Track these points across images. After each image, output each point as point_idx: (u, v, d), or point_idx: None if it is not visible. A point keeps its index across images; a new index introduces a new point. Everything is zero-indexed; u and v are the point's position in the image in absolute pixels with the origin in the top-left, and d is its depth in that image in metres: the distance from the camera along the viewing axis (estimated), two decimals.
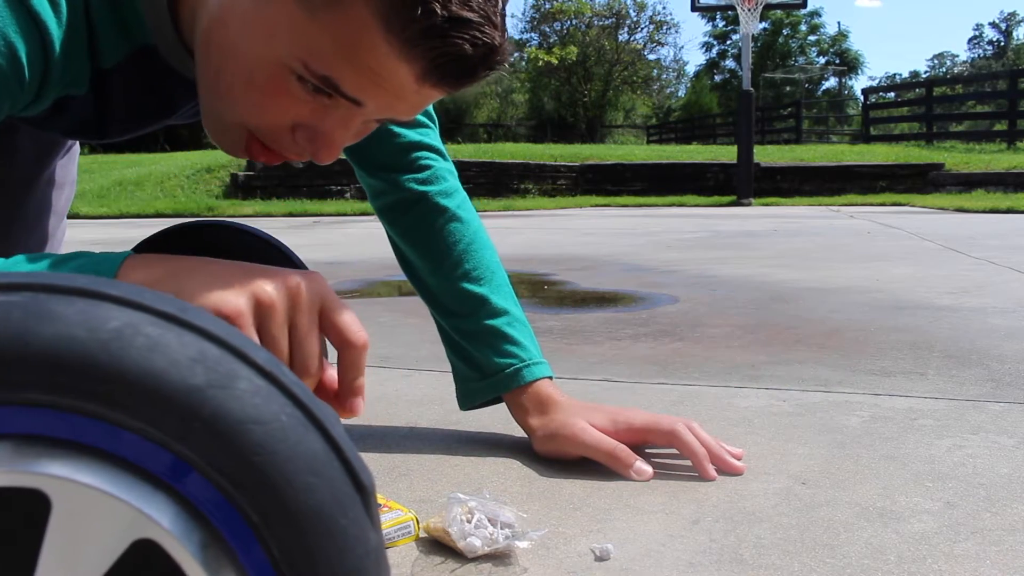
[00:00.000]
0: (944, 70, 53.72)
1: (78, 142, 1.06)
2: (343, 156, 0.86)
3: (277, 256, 0.99)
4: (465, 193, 1.07)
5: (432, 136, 1.05)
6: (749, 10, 8.99)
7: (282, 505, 0.34)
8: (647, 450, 0.98)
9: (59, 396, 0.33)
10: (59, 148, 1.00)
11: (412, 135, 1.02)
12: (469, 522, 0.73)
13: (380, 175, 1.03)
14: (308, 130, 0.64)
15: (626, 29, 29.22)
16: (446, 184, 1.04)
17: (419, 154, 1.03)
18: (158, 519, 0.33)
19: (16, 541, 0.33)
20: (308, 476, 0.35)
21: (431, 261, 1.03)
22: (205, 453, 0.34)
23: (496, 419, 1.10)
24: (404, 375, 1.43)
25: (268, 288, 0.52)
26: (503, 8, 0.61)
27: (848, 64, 35.68)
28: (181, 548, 0.33)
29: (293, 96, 0.62)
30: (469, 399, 1.04)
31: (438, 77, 0.60)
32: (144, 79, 0.73)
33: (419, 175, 1.03)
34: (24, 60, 0.59)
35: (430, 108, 1.05)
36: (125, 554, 0.33)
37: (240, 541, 0.35)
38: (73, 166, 1.06)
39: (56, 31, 0.61)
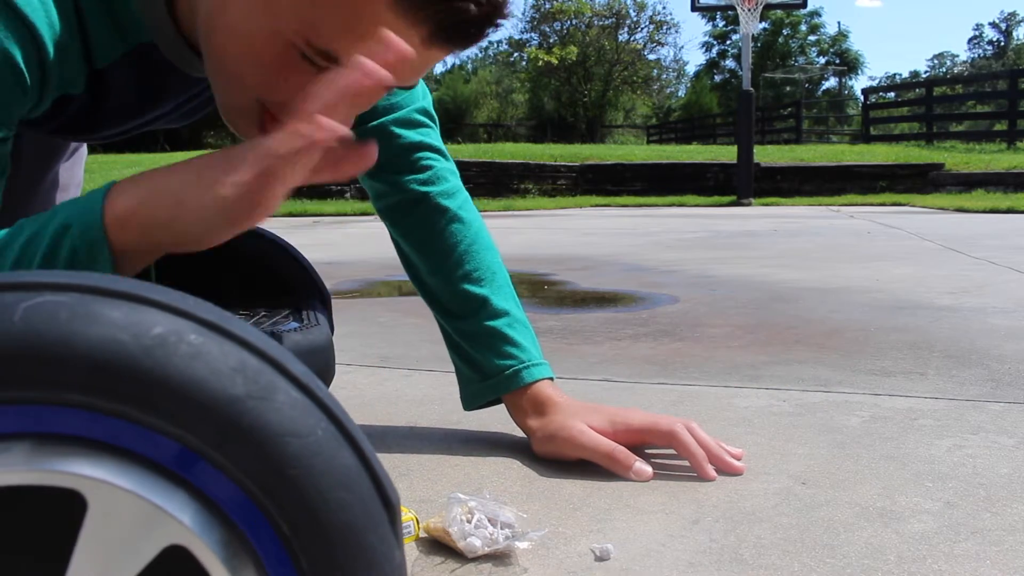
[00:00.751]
0: (944, 70, 53.74)
1: (85, 144, 1.06)
2: None
3: (282, 255, 0.99)
4: (467, 193, 1.07)
5: (433, 136, 1.04)
6: (749, 10, 8.99)
7: (314, 519, 0.34)
8: (647, 450, 0.98)
9: (101, 399, 0.33)
10: (62, 151, 1.00)
11: (413, 136, 1.01)
12: (469, 522, 0.73)
13: (382, 176, 1.02)
14: None
15: (626, 29, 29.26)
16: (448, 184, 1.04)
17: (421, 154, 1.02)
18: (191, 526, 0.34)
19: (50, 540, 0.34)
20: (341, 491, 0.35)
21: (432, 262, 1.02)
22: (242, 463, 0.34)
23: (496, 419, 1.10)
24: (404, 375, 1.43)
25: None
26: None
27: (848, 64, 35.69)
28: (211, 556, 0.34)
29: (300, 69, 0.62)
30: (471, 401, 1.04)
31: (444, 39, 0.60)
32: (141, 75, 0.73)
33: (421, 175, 1.02)
34: (23, 67, 0.60)
35: (431, 108, 1.04)
36: (156, 559, 0.34)
37: (269, 553, 0.35)
38: (79, 168, 1.06)
39: (48, 35, 0.62)
